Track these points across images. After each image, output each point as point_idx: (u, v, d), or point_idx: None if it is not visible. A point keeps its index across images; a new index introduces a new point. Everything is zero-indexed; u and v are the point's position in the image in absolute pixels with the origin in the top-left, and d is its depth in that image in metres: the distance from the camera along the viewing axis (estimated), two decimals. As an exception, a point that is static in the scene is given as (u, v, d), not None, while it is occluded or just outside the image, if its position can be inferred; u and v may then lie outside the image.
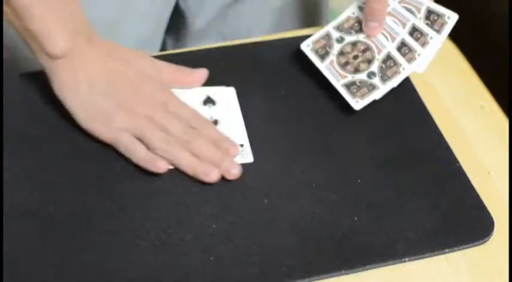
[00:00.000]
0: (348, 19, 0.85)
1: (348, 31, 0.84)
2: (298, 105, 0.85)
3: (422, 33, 0.82)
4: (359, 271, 0.73)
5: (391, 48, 0.82)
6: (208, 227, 0.74)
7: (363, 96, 0.81)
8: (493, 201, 0.79)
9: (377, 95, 0.82)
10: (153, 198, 0.76)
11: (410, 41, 0.82)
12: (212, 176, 0.76)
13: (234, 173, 0.77)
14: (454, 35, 0.91)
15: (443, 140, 0.83)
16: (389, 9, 0.84)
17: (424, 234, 0.75)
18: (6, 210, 0.73)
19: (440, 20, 0.82)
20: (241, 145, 0.81)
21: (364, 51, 0.83)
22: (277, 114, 0.84)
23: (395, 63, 0.82)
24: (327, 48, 0.83)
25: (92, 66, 0.79)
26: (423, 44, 0.82)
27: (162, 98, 0.80)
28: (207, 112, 0.83)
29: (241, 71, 0.88)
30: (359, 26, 0.84)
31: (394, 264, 0.74)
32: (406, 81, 0.88)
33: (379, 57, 0.82)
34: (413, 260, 0.74)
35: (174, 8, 1.01)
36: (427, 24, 0.82)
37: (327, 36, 0.84)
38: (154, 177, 0.77)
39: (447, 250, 0.75)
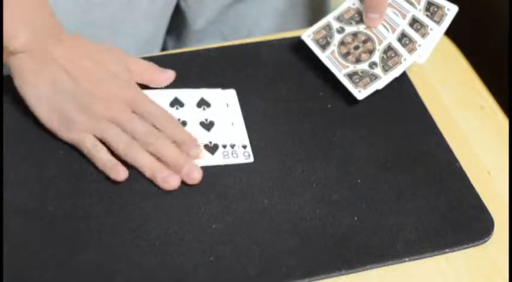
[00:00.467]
0: (348, 10, 0.85)
1: (349, 21, 0.84)
2: (298, 105, 0.85)
3: (422, 25, 0.83)
4: (359, 271, 0.73)
5: (392, 39, 0.83)
6: (208, 227, 0.74)
7: (365, 86, 0.81)
8: (493, 201, 0.79)
9: (379, 84, 0.82)
10: (153, 198, 0.76)
11: (410, 32, 0.82)
12: (172, 183, 0.76)
13: (194, 178, 0.76)
14: (454, 35, 0.91)
15: (443, 140, 0.83)
16: (389, 1, 0.84)
17: (424, 234, 0.75)
18: (6, 210, 0.73)
19: (440, 12, 0.83)
20: (244, 146, 0.81)
21: (365, 41, 0.83)
22: (277, 114, 0.84)
23: (396, 54, 0.82)
24: (328, 39, 0.83)
25: (55, 64, 0.78)
26: (423, 35, 0.83)
27: (126, 97, 0.79)
28: (202, 114, 0.83)
29: (241, 71, 0.88)
30: (359, 16, 0.85)
31: (394, 264, 0.74)
32: (406, 81, 0.88)
33: (380, 47, 0.83)
34: (413, 260, 0.74)
35: (174, 8, 1.01)
36: (427, 15, 0.83)
37: (328, 26, 0.84)
38: (154, 177, 0.77)
39: (447, 250, 0.75)
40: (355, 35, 0.84)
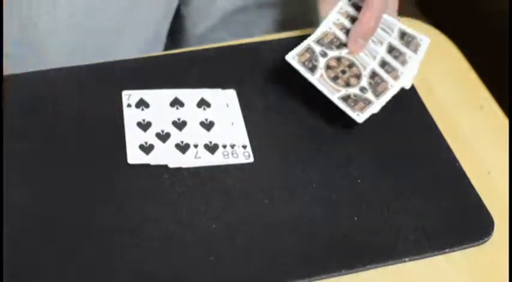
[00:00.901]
0: (326, 33, 0.84)
1: (329, 46, 0.84)
2: (298, 105, 0.85)
3: (400, 52, 0.83)
4: (359, 271, 0.73)
5: (374, 65, 0.83)
6: (208, 227, 0.74)
7: (361, 109, 0.81)
8: (493, 201, 0.79)
9: (375, 108, 0.81)
10: (153, 198, 0.76)
11: (390, 59, 0.83)
12: None
13: None
14: (454, 35, 0.91)
15: (443, 140, 0.83)
16: None
17: (424, 234, 0.75)
18: (6, 210, 0.73)
19: (415, 41, 0.84)
20: (244, 146, 0.81)
21: (350, 66, 0.83)
22: (277, 114, 0.84)
23: (383, 80, 0.82)
24: (313, 62, 0.83)
25: None
26: (403, 63, 0.83)
27: None
28: (202, 114, 0.83)
29: (241, 71, 0.88)
30: (338, 41, 0.84)
31: (394, 264, 0.74)
32: (406, 81, 0.88)
33: (366, 73, 0.83)
34: (413, 260, 0.74)
35: (175, 13, 1.01)
36: (402, 44, 0.84)
37: (310, 49, 0.83)
38: (155, 177, 0.77)
39: (447, 250, 0.75)
40: (338, 59, 0.83)
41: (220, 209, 0.76)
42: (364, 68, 0.82)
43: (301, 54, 0.83)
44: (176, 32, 1.04)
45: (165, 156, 0.79)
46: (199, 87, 0.85)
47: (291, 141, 0.82)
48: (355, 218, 0.76)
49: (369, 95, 0.81)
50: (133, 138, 0.80)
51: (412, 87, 0.88)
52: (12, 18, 0.90)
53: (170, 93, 0.84)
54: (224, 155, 0.80)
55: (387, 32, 0.84)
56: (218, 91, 0.85)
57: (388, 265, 0.74)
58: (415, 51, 0.84)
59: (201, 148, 0.80)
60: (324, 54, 0.82)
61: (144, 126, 0.81)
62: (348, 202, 0.77)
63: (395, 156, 0.81)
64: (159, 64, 0.87)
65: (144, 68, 0.87)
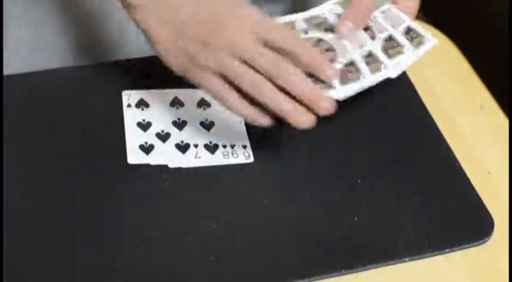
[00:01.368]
0: (318, 16, 0.83)
1: (315, 27, 0.81)
2: (298, 105, 0.85)
3: (398, 44, 0.81)
4: (359, 271, 0.73)
5: (355, 55, 0.79)
6: (208, 227, 0.74)
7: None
8: (493, 201, 0.79)
9: (336, 95, 0.76)
10: (153, 198, 0.76)
11: (377, 51, 0.80)
12: (307, 123, 0.72)
13: (324, 106, 0.72)
14: (454, 35, 0.91)
15: (443, 140, 0.83)
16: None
17: (424, 234, 0.75)
18: (7, 210, 0.73)
19: (419, 39, 0.81)
20: (244, 146, 0.81)
21: (327, 50, 0.80)
22: (277, 114, 0.84)
23: (357, 70, 0.79)
24: None
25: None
26: (396, 54, 0.79)
27: (251, 24, 0.72)
28: (202, 114, 0.83)
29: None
30: (326, 25, 0.82)
31: (394, 264, 0.74)
32: (406, 81, 0.88)
33: (341, 60, 0.79)
34: (413, 260, 0.74)
35: None
36: (406, 38, 0.81)
37: (293, 24, 0.81)
38: (155, 177, 0.77)
39: (447, 250, 0.75)
40: (318, 41, 0.81)
41: (220, 209, 0.76)
42: (343, 55, 0.79)
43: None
44: None
45: (165, 156, 0.79)
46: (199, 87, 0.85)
47: (291, 142, 0.82)
48: (355, 218, 0.76)
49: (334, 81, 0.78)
50: (133, 138, 0.80)
51: (412, 87, 0.88)
52: (22, 20, 0.90)
53: (170, 93, 0.84)
54: (224, 155, 0.80)
55: (392, 25, 0.82)
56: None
57: (388, 265, 0.74)
58: (417, 46, 0.81)
59: (201, 148, 0.80)
60: (306, 33, 0.81)
61: (144, 126, 0.82)
62: (348, 202, 0.77)
63: (395, 156, 0.81)
64: (159, 64, 0.86)
65: (144, 68, 0.87)
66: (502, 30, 1.17)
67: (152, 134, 0.81)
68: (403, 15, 0.82)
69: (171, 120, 0.82)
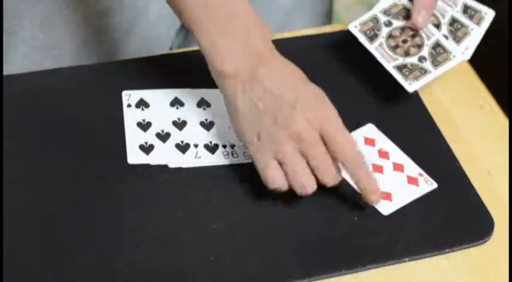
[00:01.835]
0: (395, 4, 0.85)
1: (396, 16, 0.85)
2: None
3: (462, 25, 0.84)
4: (359, 271, 0.73)
5: (439, 35, 0.83)
6: (208, 227, 0.74)
7: (416, 78, 0.82)
8: (493, 201, 0.79)
9: (429, 77, 0.82)
10: (153, 199, 0.76)
11: (445, 40, 0.84)
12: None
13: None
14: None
15: (443, 140, 0.83)
16: None
17: (424, 234, 0.75)
18: (7, 210, 0.73)
19: (478, 15, 0.85)
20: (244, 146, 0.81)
21: (413, 36, 0.84)
22: (277, 114, 0.84)
23: (445, 50, 0.82)
24: (375, 31, 0.84)
25: (259, 85, 0.75)
26: (465, 34, 0.84)
27: (321, 122, 0.74)
28: (202, 114, 0.83)
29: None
30: (406, 12, 0.85)
31: (394, 264, 0.74)
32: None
33: (429, 43, 0.83)
34: (413, 260, 0.74)
35: None
36: (466, 17, 0.84)
37: (375, 19, 0.84)
38: (155, 177, 0.77)
39: (447, 250, 0.75)
40: (402, 29, 0.84)
41: (220, 209, 0.76)
42: (429, 37, 0.83)
43: (363, 23, 0.84)
44: (182, 28, 1.04)
45: (165, 156, 0.79)
46: (199, 87, 0.85)
47: (291, 141, 0.82)
48: (355, 218, 0.76)
49: (427, 64, 0.82)
50: (133, 138, 0.80)
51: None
52: (28, 20, 0.90)
53: (170, 93, 0.84)
54: (224, 155, 0.80)
55: (450, 6, 0.85)
56: (218, 91, 0.85)
57: (388, 265, 0.74)
58: (478, 23, 0.84)
59: (201, 148, 0.80)
60: (389, 24, 0.83)
61: (144, 126, 0.81)
62: (348, 202, 0.77)
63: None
64: (159, 64, 0.87)
65: (144, 68, 0.87)
66: (502, 30, 1.17)
67: (152, 134, 0.81)
68: None
69: (171, 120, 0.82)
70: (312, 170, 0.74)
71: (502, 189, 0.81)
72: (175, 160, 0.79)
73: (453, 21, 0.85)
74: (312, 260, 0.73)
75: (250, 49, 0.76)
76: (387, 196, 0.77)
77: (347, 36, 0.86)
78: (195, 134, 0.81)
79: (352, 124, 0.83)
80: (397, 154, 0.81)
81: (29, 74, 0.85)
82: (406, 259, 0.74)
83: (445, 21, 0.85)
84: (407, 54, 0.83)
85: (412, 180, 0.79)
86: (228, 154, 0.80)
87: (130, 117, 0.82)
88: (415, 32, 0.84)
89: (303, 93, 0.75)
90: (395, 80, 0.83)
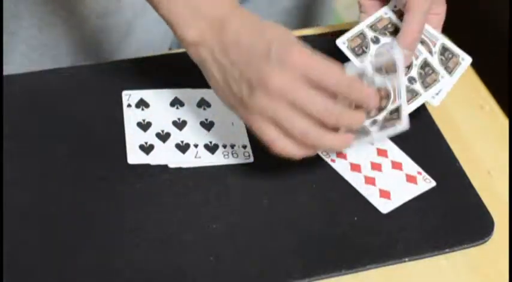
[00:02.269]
0: (381, 19, 0.84)
1: (382, 32, 0.83)
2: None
3: (433, 71, 0.82)
4: (359, 271, 0.73)
5: (426, 54, 0.81)
6: (208, 227, 0.74)
7: (408, 101, 0.80)
8: (493, 201, 0.79)
9: (420, 101, 0.80)
10: (153, 198, 0.76)
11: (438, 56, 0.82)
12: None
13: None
14: (454, 35, 0.91)
15: (443, 140, 0.83)
16: None
17: (424, 234, 0.75)
18: (7, 210, 0.73)
19: (454, 59, 0.83)
20: (244, 146, 0.81)
21: None
22: (277, 114, 0.84)
23: (433, 71, 0.81)
24: (363, 48, 0.82)
25: (225, 39, 0.72)
26: (456, 64, 0.82)
27: (298, 65, 0.70)
28: (202, 114, 0.83)
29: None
30: (393, 27, 0.83)
31: (394, 264, 0.74)
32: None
33: (417, 62, 0.81)
34: (413, 260, 0.74)
35: None
36: (441, 60, 0.83)
37: (362, 35, 0.83)
38: (155, 177, 0.77)
39: (447, 250, 0.75)
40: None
41: (220, 209, 0.76)
42: (416, 56, 0.81)
43: (351, 40, 0.82)
44: None
45: (165, 156, 0.79)
46: (199, 87, 0.85)
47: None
48: (355, 218, 0.76)
49: (417, 86, 0.80)
50: (133, 138, 0.80)
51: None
52: (27, 20, 0.90)
53: (170, 93, 0.84)
54: (224, 155, 0.80)
55: (428, 46, 0.83)
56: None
57: (388, 265, 0.74)
58: (451, 72, 0.82)
59: (201, 148, 0.80)
60: (376, 41, 0.82)
61: (144, 126, 0.82)
62: (348, 202, 0.77)
63: (395, 156, 0.81)
64: (159, 64, 0.87)
65: (144, 68, 0.87)
66: (502, 30, 1.17)
67: (152, 134, 0.81)
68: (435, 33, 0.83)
69: (171, 120, 0.82)
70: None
71: (502, 189, 0.81)
72: (175, 160, 0.79)
73: (444, 50, 0.83)
74: (312, 260, 0.73)
75: (209, 9, 0.73)
76: (386, 194, 0.77)
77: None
78: (195, 134, 0.81)
79: (352, 124, 0.83)
80: (395, 152, 0.81)
81: (29, 74, 0.85)
82: (406, 259, 0.74)
83: (435, 50, 0.83)
84: None
85: (410, 179, 0.79)
86: (228, 154, 0.80)
87: (131, 117, 0.82)
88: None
89: (271, 44, 0.71)
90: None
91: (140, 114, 0.82)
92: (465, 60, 0.83)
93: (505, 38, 1.16)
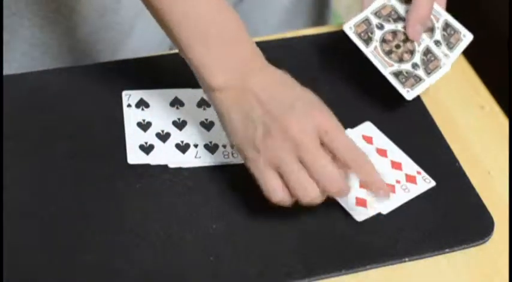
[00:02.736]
0: (384, 6, 0.85)
1: (386, 19, 0.84)
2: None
3: (455, 31, 0.85)
4: (359, 271, 0.73)
5: (429, 41, 0.83)
6: (208, 227, 0.74)
7: (412, 86, 0.81)
8: (493, 201, 0.79)
9: (424, 86, 0.82)
10: (153, 198, 0.76)
11: (442, 40, 0.83)
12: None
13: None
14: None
15: (443, 140, 0.83)
16: None
17: (424, 234, 0.75)
18: (7, 210, 0.73)
19: (456, 35, 0.85)
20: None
21: (405, 41, 0.83)
22: (277, 114, 0.84)
23: (435, 57, 0.82)
24: (369, 34, 0.83)
25: (250, 94, 0.73)
26: (457, 40, 0.85)
27: (318, 125, 0.72)
28: (202, 114, 0.83)
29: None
30: (396, 14, 0.84)
31: (394, 264, 0.74)
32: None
33: (420, 49, 0.83)
34: (413, 260, 0.74)
35: None
36: (444, 35, 0.84)
37: (367, 21, 0.84)
38: (155, 177, 0.77)
39: (447, 250, 0.75)
40: (394, 33, 0.84)
41: (220, 209, 0.76)
42: (419, 43, 0.83)
43: (357, 25, 0.83)
44: None
45: (165, 156, 0.79)
46: (199, 87, 0.85)
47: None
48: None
49: (420, 72, 0.82)
50: (133, 138, 0.80)
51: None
52: (27, 19, 0.90)
53: (170, 93, 0.84)
54: (224, 155, 0.80)
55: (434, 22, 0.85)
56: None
57: (388, 265, 0.74)
58: (452, 48, 0.85)
59: (201, 148, 0.80)
60: (381, 27, 0.83)
61: (144, 126, 0.81)
62: (348, 202, 0.77)
63: (395, 156, 0.81)
64: (159, 64, 0.87)
65: (144, 68, 0.87)
66: (502, 30, 1.17)
67: (152, 134, 0.81)
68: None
69: (171, 120, 0.82)
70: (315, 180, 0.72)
71: (502, 189, 0.81)
72: (175, 160, 0.79)
73: (446, 26, 0.84)
74: (312, 260, 0.73)
75: (239, 61, 0.74)
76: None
77: (347, 36, 0.86)
78: (195, 134, 0.81)
79: (351, 123, 0.83)
80: (395, 152, 0.81)
81: (29, 74, 0.85)
82: (406, 259, 0.74)
83: (438, 25, 0.84)
84: (401, 60, 0.82)
85: (410, 179, 0.79)
86: (228, 154, 0.80)
87: (131, 117, 0.82)
88: (406, 37, 0.84)
89: (296, 99, 0.73)
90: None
91: (140, 114, 0.82)
92: (466, 36, 0.86)
93: (505, 38, 1.16)
